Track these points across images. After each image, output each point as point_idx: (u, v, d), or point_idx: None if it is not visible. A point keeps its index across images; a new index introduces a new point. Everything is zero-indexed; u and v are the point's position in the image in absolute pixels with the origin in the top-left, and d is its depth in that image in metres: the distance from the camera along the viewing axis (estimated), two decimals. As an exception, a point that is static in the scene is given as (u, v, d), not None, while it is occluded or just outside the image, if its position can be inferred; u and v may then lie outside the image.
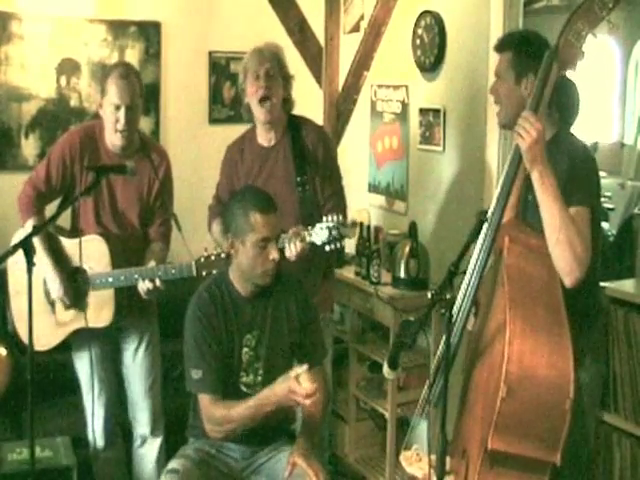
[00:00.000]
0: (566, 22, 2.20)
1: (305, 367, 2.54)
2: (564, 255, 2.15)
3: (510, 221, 2.34)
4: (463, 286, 2.28)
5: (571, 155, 2.32)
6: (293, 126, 3.29)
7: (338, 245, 2.94)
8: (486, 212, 2.22)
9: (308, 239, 2.95)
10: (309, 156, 3.25)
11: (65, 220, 3.13)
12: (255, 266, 2.69)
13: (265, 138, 3.29)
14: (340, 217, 2.94)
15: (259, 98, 3.16)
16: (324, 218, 2.96)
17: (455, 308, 2.26)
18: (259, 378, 2.76)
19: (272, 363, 2.76)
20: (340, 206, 3.30)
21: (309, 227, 2.96)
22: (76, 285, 3.08)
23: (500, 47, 2.48)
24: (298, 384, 2.50)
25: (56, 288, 3.07)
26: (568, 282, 2.17)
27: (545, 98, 2.25)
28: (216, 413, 2.66)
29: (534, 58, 2.32)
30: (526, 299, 2.10)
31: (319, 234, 2.94)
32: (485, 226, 2.24)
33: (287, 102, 3.28)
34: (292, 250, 2.93)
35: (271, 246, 2.68)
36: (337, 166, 3.41)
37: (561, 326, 2.05)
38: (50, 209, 3.07)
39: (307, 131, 3.30)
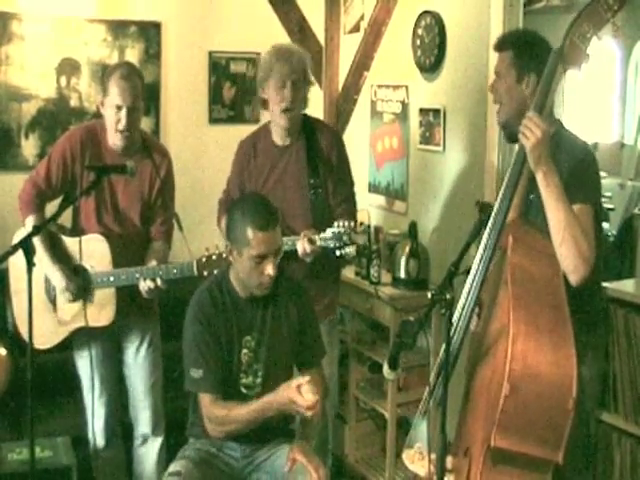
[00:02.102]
0: (572, 23, 2.20)
1: (307, 378, 2.54)
2: (570, 254, 2.16)
3: (514, 221, 2.35)
4: (466, 286, 2.28)
5: (572, 153, 2.33)
6: (308, 128, 3.29)
7: (348, 250, 2.95)
8: (485, 204, 2.22)
9: (319, 243, 2.96)
10: (323, 159, 3.25)
11: (67, 219, 3.14)
12: (250, 278, 2.67)
13: (280, 138, 3.29)
14: (352, 223, 2.95)
15: (283, 109, 3.16)
16: (335, 223, 2.97)
17: (458, 308, 2.27)
18: (258, 379, 2.75)
19: (271, 365, 2.76)
20: (351, 212, 3.31)
21: (320, 232, 2.98)
22: (79, 279, 3.07)
23: (500, 46, 2.49)
24: (300, 395, 2.50)
25: (58, 281, 3.06)
26: (574, 280, 2.18)
27: (550, 99, 2.26)
28: (217, 413, 2.66)
29: (535, 58, 2.34)
30: (530, 298, 2.10)
31: (330, 239, 2.96)
32: (488, 226, 2.24)
33: (304, 102, 3.27)
34: (302, 249, 2.97)
35: (267, 262, 2.62)
36: (350, 171, 3.40)
37: (564, 325, 2.06)
38: (51, 209, 3.07)
39: (322, 134, 3.29)
